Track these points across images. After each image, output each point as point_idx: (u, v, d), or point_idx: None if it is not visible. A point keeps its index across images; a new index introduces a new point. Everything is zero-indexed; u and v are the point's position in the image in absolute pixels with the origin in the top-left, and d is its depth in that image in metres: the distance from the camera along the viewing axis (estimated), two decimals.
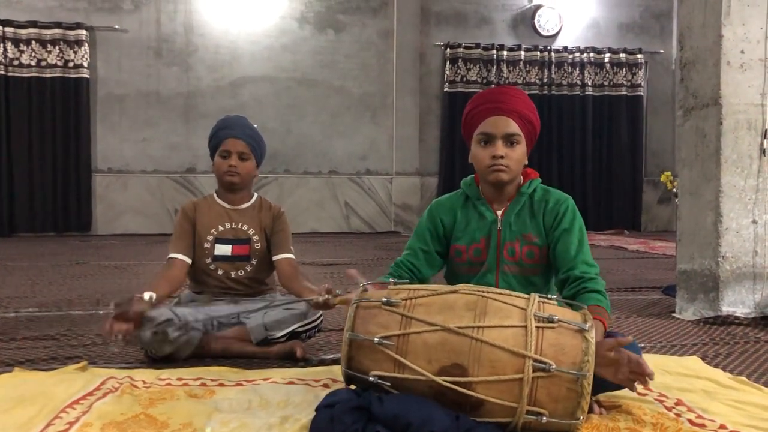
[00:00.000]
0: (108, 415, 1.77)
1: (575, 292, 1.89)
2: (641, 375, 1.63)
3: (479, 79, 9.55)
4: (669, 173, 5.59)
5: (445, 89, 9.52)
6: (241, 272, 2.63)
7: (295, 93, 9.20)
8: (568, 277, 1.92)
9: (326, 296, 2.05)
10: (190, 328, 2.37)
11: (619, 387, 1.87)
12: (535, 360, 1.52)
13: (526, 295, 1.67)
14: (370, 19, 9.39)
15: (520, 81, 9.62)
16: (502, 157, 1.95)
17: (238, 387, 2.06)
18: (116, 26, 8.70)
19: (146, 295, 2.31)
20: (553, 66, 9.71)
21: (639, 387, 1.69)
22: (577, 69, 9.78)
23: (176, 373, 2.19)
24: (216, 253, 2.61)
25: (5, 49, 8.33)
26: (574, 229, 1.97)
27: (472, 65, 9.54)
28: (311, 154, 9.28)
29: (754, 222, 3.18)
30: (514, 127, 1.96)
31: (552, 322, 1.57)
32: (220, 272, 2.61)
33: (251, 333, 2.46)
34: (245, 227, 2.65)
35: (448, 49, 9.51)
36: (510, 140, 1.97)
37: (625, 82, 9.91)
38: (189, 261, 2.59)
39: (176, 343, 2.34)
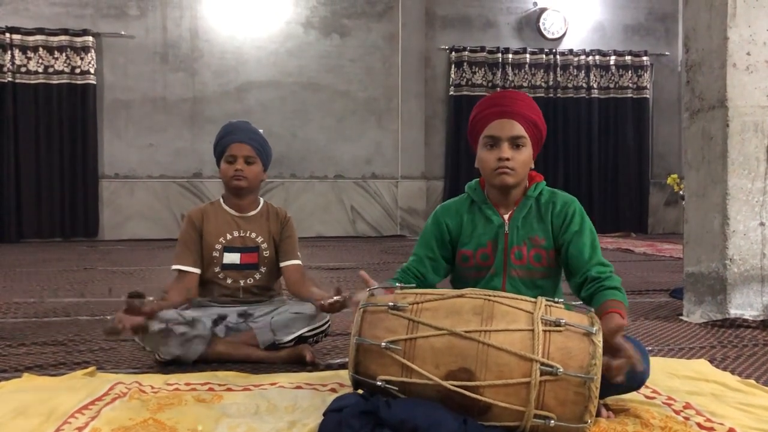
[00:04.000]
0: (116, 420, 1.78)
1: (593, 291, 1.88)
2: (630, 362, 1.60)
3: (484, 83, 9.55)
4: (675, 176, 5.57)
5: (451, 93, 9.53)
6: (250, 280, 2.63)
7: (300, 97, 9.22)
8: (585, 279, 1.92)
9: (336, 297, 2.07)
10: (196, 327, 2.38)
11: (627, 390, 1.87)
12: (543, 363, 1.52)
13: (532, 299, 1.67)
14: (375, 23, 9.40)
15: (525, 84, 9.61)
16: (508, 159, 1.95)
17: (245, 391, 2.06)
18: (122, 32, 8.74)
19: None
20: (558, 69, 9.71)
21: (618, 378, 1.62)
22: (583, 72, 9.77)
23: (184, 377, 2.20)
24: (225, 261, 2.61)
25: (12, 56, 8.37)
26: (585, 231, 1.97)
27: (477, 68, 9.54)
28: (317, 158, 9.30)
29: (762, 224, 3.17)
30: (519, 129, 1.96)
31: (559, 325, 1.57)
32: (228, 281, 2.61)
33: (259, 337, 2.46)
34: (253, 235, 2.65)
35: (453, 53, 9.51)
36: (516, 143, 1.97)
37: (630, 85, 9.90)
38: (198, 272, 2.59)
39: (182, 341, 2.34)
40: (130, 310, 2.24)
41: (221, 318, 2.50)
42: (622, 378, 1.61)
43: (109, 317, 3.25)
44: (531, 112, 1.99)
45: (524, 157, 1.98)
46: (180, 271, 2.58)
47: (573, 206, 2.01)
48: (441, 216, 2.09)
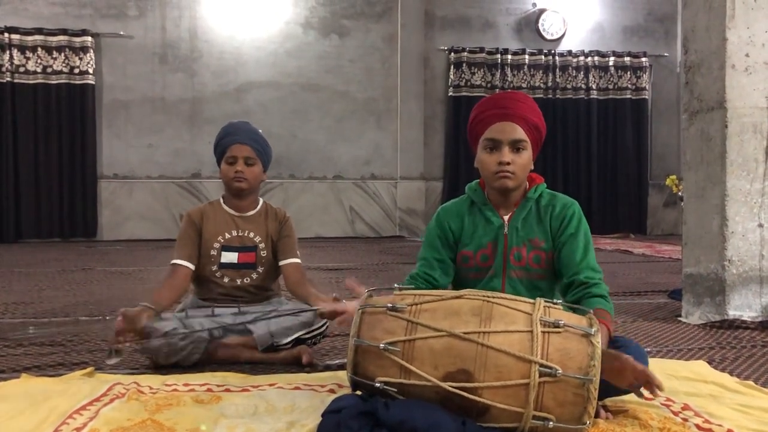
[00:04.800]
0: (115, 421, 1.77)
1: (579, 296, 1.88)
2: (648, 384, 1.59)
3: (483, 84, 9.55)
4: (674, 177, 5.57)
5: (450, 93, 9.53)
6: (247, 279, 2.63)
7: (299, 98, 9.22)
8: (572, 282, 1.92)
9: (336, 307, 2.09)
10: (195, 336, 2.38)
11: (626, 391, 1.87)
12: (542, 365, 1.52)
13: (531, 300, 1.67)
14: (374, 24, 9.40)
15: (524, 85, 9.61)
16: (508, 163, 1.94)
17: (244, 392, 2.06)
18: (121, 32, 8.73)
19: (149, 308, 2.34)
20: (557, 70, 9.71)
21: (646, 393, 1.65)
22: (582, 73, 9.77)
23: (182, 378, 2.19)
24: (222, 260, 2.61)
25: (11, 56, 8.36)
26: (579, 234, 1.97)
27: (476, 69, 9.54)
28: (316, 159, 9.29)
29: (760, 225, 3.17)
30: (520, 133, 1.96)
31: (558, 326, 1.57)
32: (225, 280, 2.61)
33: (257, 340, 2.45)
34: (251, 234, 2.65)
35: (453, 54, 9.51)
36: (516, 146, 1.96)
37: (629, 86, 9.90)
38: (192, 267, 2.59)
39: (183, 352, 2.35)
40: (128, 322, 2.23)
41: (224, 330, 2.49)
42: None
43: (108, 318, 3.26)
44: (532, 115, 1.98)
45: (524, 160, 1.97)
46: (174, 264, 2.58)
47: (572, 209, 2.01)
48: (443, 218, 2.08)
